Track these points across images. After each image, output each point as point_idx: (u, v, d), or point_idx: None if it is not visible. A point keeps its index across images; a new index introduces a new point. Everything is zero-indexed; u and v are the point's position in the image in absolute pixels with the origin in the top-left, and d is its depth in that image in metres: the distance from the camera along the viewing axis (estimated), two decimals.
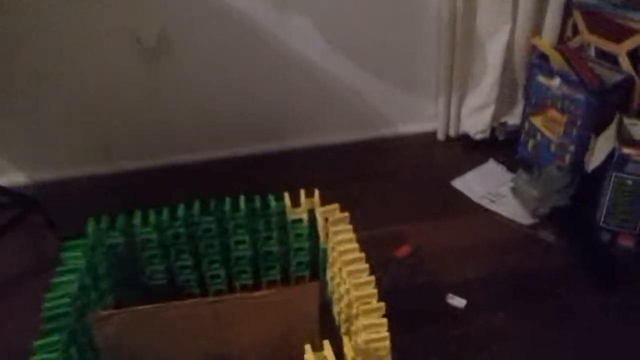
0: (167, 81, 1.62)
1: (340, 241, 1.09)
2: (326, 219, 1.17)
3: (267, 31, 1.60)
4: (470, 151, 1.74)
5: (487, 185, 1.58)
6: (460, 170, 1.64)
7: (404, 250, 1.38)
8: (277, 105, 1.71)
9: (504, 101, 1.72)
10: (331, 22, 1.63)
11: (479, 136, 1.74)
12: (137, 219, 1.15)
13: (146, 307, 0.98)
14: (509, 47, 1.62)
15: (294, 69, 1.67)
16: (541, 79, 1.52)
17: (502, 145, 1.72)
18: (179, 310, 0.94)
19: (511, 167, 1.63)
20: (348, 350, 0.90)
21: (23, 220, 1.41)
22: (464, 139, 1.78)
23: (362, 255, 1.06)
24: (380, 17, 1.64)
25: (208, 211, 1.18)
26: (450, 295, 1.26)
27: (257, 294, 0.97)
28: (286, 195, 1.20)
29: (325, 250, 1.19)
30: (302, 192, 1.19)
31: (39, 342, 0.90)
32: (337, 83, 1.72)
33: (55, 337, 0.91)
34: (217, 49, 1.60)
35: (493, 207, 1.51)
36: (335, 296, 1.13)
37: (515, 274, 1.32)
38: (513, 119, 1.73)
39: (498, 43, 1.61)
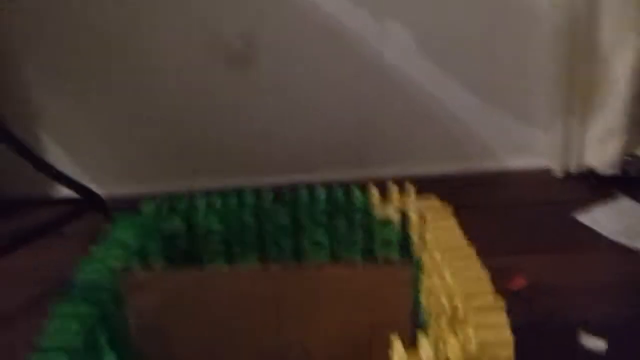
0: (248, 93, 1.52)
1: (441, 232, 0.85)
2: (424, 219, 0.95)
3: (363, 43, 1.48)
4: (596, 188, 1.46)
5: (621, 222, 1.29)
6: (586, 206, 1.36)
7: (519, 283, 1.11)
8: (367, 127, 1.55)
9: (634, 131, 1.46)
10: (433, 35, 1.47)
11: (606, 171, 1.47)
12: (201, 204, 0.99)
13: (194, 271, 0.78)
14: None
15: (389, 87, 1.51)
16: None
17: (635, 182, 1.44)
18: (233, 282, 0.73)
19: None
20: (453, 352, 0.65)
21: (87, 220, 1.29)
22: (588, 176, 1.50)
23: (472, 252, 0.82)
24: (488, 34, 1.47)
25: (281, 201, 0.99)
26: (584, 334, 0.96)
27: (333, 270, 0.74)
28: (373, 188, 0.99)
29: (419, 262, 0.95)
30: (394, 187, 0.98)
31: (60, 309, 0.72)
32: (435, 107, 1.54)
33: (81, 308, 0.73)
34: (306, 59, 1.49)
35: (634, 244, 1.21)
36: (431, 313, 0.88)
37: None
38: None
39: (625, 56, 1.38)
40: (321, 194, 1.01)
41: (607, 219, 1.31)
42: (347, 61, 1.48)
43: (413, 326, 0.72)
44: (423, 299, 0.91)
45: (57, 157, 1.41)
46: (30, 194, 1.52)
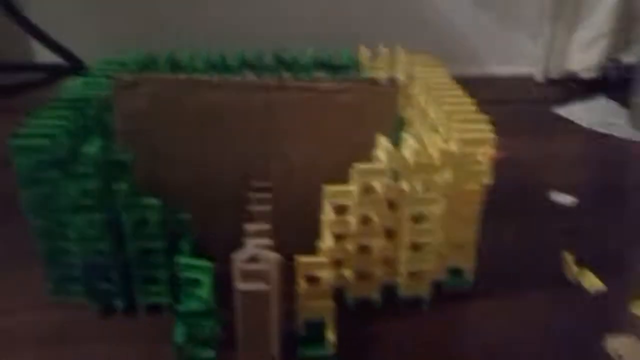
0: None
1: (430, 78, 0.86)
2: (411, 77, 0.96)
3: None
4: (576, 90, 1.49)
5: (598, 116, 1.32)
6: (565, 103, 1.39)
7: (498, 155, 1.13)
8: (358, 27, 1.54)
9: (618, 37, 1.48)
10: None
11: (585, 74, 1.49)
12: (185, 55, 0.97)
13: (186, 78, 0.77)
14: None
15: None
16: None
17: (614, 86, 1.46)
18: (223, 89, 0.73)
19: (625, 106, 1.36)
20: (435, 146, 0.66)
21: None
22: (569, 81, 1.52)
23: (459, 87, 0.83)
24: None
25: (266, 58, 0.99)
26: (555, 192, 0.99)
27: (324, 85, 0.74)
28: (362, 49, 1.00)
29: (402, 120, 0.97)
30: (383, 48, 0.99)
31: (42, 112, 0.72)
32: (424, 8, 1.54)
33: (64, 111, 0.73)
34: None
35: (607, 131, 1.25)
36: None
37: (637, 185, 1.05)
38: (628, 57, 1.47)
39: None
40: (309, 51, 1.01)
41: (584, 112, 1.34)
42: None
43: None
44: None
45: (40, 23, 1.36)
46: (8, 58, 1.48)
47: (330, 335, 0.63)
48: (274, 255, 0.58)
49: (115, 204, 0.67)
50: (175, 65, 0.98)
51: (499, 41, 1.59)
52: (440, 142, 0.67)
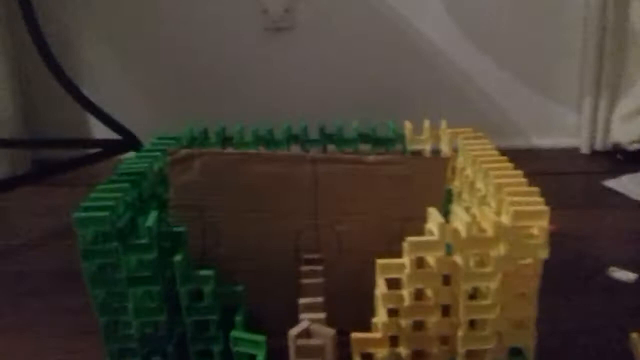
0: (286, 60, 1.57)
1: (476, 150, 0.86)
2: (455, 150, 0.97)
3: (400, 17, 1.53)
4: (622, 162, 1.47)
5: None
6: (613, 176, 1.37)
7: (550, 229, 1.11)
8: (397, 100, 1.58)
9: None
10: (464, 8, 1.52)
11: (634, 146, 1.47)
12: (235, 130, 1.01)
13: (237, 152, 0.80)
14: None
15: (421, 59, 1.55)
16: None
17: None
18: (274, 164, 0.75)
19: None
20: (488, 220, 0.66)
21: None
22: (615, 152, 1.51)
23: (505, 159, 0.83)
24: (519, 9, 1.51)
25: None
26: (613, 268, 0.96)
27: (371, 158, 0.76)
28: (407, 123, 1.02)
29: (449, 192, 0.97)
30: (427, 122, 1.01)
31: (102, 186, 0.75)
32: (465, 82, 1.57)
33: (123, 184, 0.76)
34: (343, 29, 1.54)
35: None
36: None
37: None
38: None
39: None
40: (354, 124, 1.03)
41: (634, 184, 1.31)
42: (380, 31, 1.53)
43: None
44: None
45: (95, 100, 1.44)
46: (66, 135, 1.57)
47: None
48: (328, 330, 0.57)
49: (172, 276, 0.68)
50: (225, 139, 1.02)
51: (541, 114, 1.60)
52: (493, 215, 0.67)
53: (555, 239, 1.06)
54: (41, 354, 0.81)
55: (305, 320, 0.59)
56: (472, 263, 0.66)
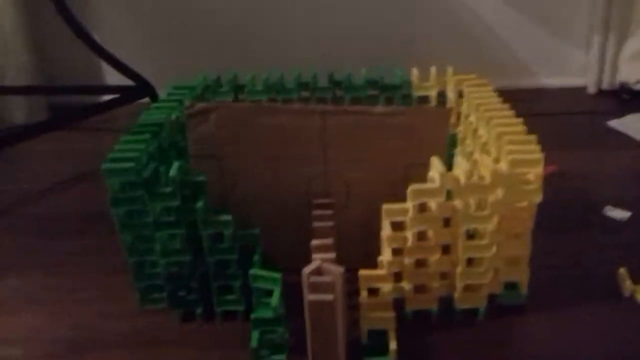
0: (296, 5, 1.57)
1: (480, 98, 0.90)
2: (460, 95, 1.00)
3: None
4: (628, 101, 1.48)
5: None
6: (617, 116, 1.40)
7: (550, 169, 1.15)
8: (406, 42, 1.59)
9: None
10: None
11: (637, 85, 1.49)
12: (247, 78, 1.04)
13: (251, 104, 0.84)
14: None
15: (429, 2, 1.55)
16: None
17: None
18: (285, 115, 0.80)
19: None
20: (486, 168, 0.70)
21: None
22: (622, 91, 1.52)
23: (507, 107, 0.87)
24: None
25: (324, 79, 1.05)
26: (609, 207, 1.01)
27: (377, 109, 0.80)
28: (414, 70, 1.04)
29: (454, 137, 1.01)
30: (433, 68, 1.03)
31: (126, 137, 0.80)
32: (474, 23, 1.57)
33: (145, 136, 0.81)
34: None
35: None
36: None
37: None
38: None
39: None
40: (363, 72, 1.06)
41: (637, 124, 1.34)
42: None
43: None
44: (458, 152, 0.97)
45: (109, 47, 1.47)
46: (80, 81, 1.61)
47: (392, 345, 0.68)
48: (338, 268, 0.64)
49: (194, 220, 0.74)
50: (237, 88, 1.05)
51: (550, 53, 1.61)
52: (491, 163, 0.71)
53: (555, 178, 1.13)
54: (75, 291, 0.88)
55: (317, 259, 0.66)
56: (472, 206, 0.72)
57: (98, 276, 0.90)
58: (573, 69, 1.60)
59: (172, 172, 0.72)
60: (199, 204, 0.72)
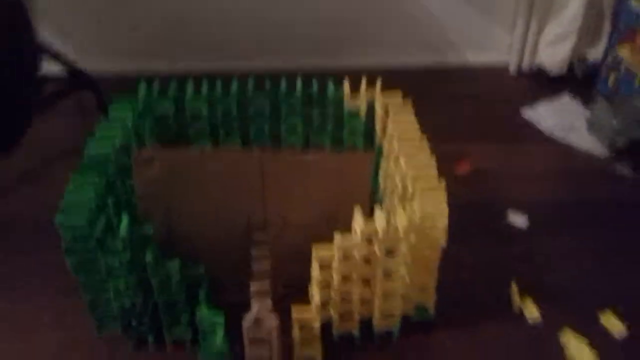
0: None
1: (400, 125, 1.00)
2: (387, 112, 1.09)
3: None
4: (544, 85, 1.61)
5: (560, 118, 1.46)
6: (532, 103, 1.52)
7: (464, 167, 1.28)
8: (336, 18, 1.62)
9: (586, 34, 1.58)
10: None
11: (555, 71, 1.60)
12: (189, 89, 1.09)
13: (191, 151, 0.91)
14: None
15: None
16: (634, 3, 1.38)
17: (579, 82, 1.59)
18: (225, 160, 0.87)
19: (587, 104, 1.48)
20: (401, 220, 0.82)
21: (75, 95, 1.38)
22: (539, 75, 1.64)
23: (424, 143, 0.97)
24: None
25: (262, 90, 1.11)
26: (512, 212, 1.16)
27: (307, 156, 0.89)
28: (346, 82, 1.11)
29: (380, 150, 1.10)
30: (364, 79, 1.10)
31: (75, 177, 0.85)
32: (408, 3, 1.63)
33: (92, 177, 0.86)
34: None
35: (566, 139, 1.39)
36: (386, 191, 1.04)
37: (585, 202, 1.20)
38: (594, 54, 1.58)
39: None
40: (299, 85, 1.13)
41: (548, 113, 1.47)
42: None
43: (372, 202, 0.88)
44: (381, 180, 1.08)
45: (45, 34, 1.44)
46: None
47: None
48: (274, 321, 0.75)
49: (144, 266, 0.82)
50: (180, 104, 1.10)
51: (476, 31, 1.69)
52: (404, 217, 0.82)
53: (469, 178, 1.26)
54: (34, 316, 0.96)
55: (255, 308, 0.76)
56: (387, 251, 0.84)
57: (56, 297, 0.97)
58: (498, 49, 1.70)
59: (122, 231, 0.79)
60: (148, 257, 0.81)
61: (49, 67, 1.43)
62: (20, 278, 1.03)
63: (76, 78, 1.39)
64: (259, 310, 0.76)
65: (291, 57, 1.63)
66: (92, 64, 1.48)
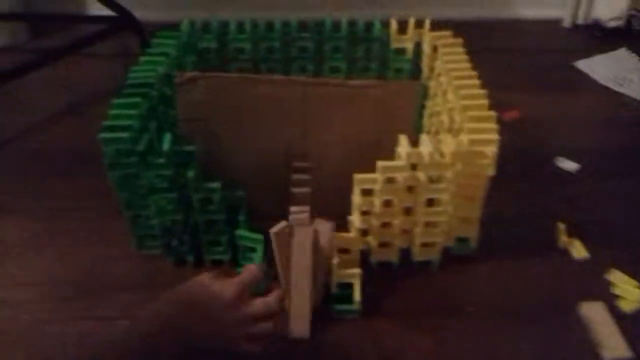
0: None
1: (451, 61, 0.96)
2: (435, 49, 1.05)
3: None
4: (600, 39, 1.54)
5: (615, 70, 1.39)
6: (586, 55, 1.46)
7: (512, 115, 1.24)
8: None
9: None
10: None
11: (612, 23, 1.53)
12: (232, 26, 1.08)
13: (236, 75, 0.90)
14: None
15: None
16: None
17: (636, 36, 1.52)
18: (268, 85, 0.86)
19: None
20: (448, 146, 0.79)
21: (119, 37, 1.38)
22: (595, 28, 1.58)
23: (475, 78, 0.93)
24: None
25: (307, 29, 1.09)
26: (560, 158, 1.11)
27: (353, 82, 0.87)
28: (393, 21, 1.08)
29: (426, 88, 1.07)
30: (411, 20, 1.07)
31: (118, 100, 0.85)
32: None
33: (136, 99, 0.86)
34: None
35: (619, 90, 1.33)
36: (431, 130, 1.01)
37: (636, 150, 1.15)
38: None
39: None
40: (344, 23, 1.10)
41: (603, 66, 1.41)
42: None
43: (414, 136, 0.85)
44: (425, 119, 1.05)
45: None
46: (64, 10, 1.60)
47: (357, 296, 0.80)
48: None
49: (185, 184, 0.82)
50: (223, 35, 1.08)
51: None
52: (452, 143, 0.79)
53: (515, 125, 1.21)
54: (75, 234, 0.97)
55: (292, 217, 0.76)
56: (432, 179, 0.81)
57: (96, 219, 0.99)
58: (553, 3, 1.63)
59: (165, 145, 0.79)
60: (190, 174, 0.80)
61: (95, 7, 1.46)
62: (61, 202, 1.04)
63: (121, 19, 1.39)
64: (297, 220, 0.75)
65: (337, 8, 1.59)
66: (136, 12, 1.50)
